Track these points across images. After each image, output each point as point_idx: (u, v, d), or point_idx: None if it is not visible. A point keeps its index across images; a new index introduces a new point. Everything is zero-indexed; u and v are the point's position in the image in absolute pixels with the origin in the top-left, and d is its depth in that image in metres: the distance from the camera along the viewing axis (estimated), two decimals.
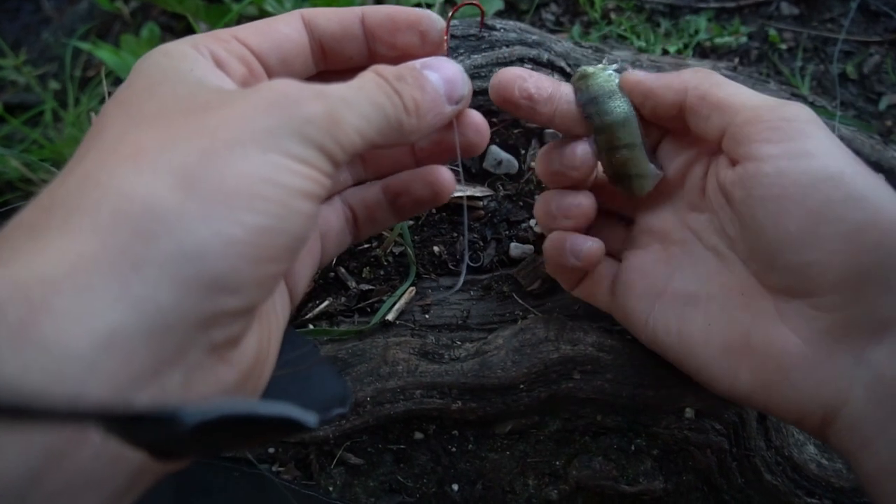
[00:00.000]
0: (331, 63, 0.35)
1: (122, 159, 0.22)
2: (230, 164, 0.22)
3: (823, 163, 0.33)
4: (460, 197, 0.61)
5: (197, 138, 0.23)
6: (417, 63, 0.32)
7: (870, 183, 0.33)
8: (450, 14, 0.38)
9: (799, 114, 0.35)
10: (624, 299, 0.45)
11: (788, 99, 0.65)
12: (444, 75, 0.32)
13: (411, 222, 0.60)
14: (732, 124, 0.36)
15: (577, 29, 0.81)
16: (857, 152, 0.63)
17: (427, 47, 0.35)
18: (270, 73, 0.32)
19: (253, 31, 0.31)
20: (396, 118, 0.29)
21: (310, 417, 0.21)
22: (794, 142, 0.34)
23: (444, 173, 0.39)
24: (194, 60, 0.28)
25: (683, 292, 0.42)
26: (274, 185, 0.23)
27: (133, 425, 0.18)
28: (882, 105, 0.74)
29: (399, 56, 0.35)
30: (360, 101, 0.27)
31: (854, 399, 0.33)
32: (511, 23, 0.60)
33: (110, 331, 0.19)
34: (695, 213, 0.43)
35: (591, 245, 0.43)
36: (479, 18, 0.57)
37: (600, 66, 0.42)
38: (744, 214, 0.36)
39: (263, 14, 0.78)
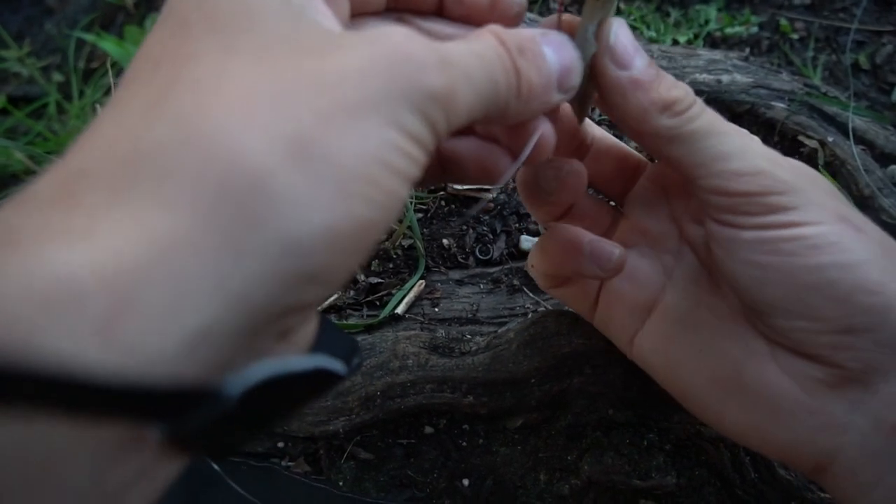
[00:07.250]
0: (401, 2, 0.30)
1: (228, 109, 0.19)
2: (347, 137, 0.20)
3: (810, 229, 0.30)
4: (469, 189, 0.60)
5: (312, 93, 0.20)
6: (538, 33, 0.28)
7: (858, 247, 0.30)
8: None
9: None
10: (611, 309, 0.40)
11: (801, 89, 0.64)
12: (561, 59, 0.28)
13: (420, 215, 0.59)
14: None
15: None
16: (871, 144, 0.63)
17: (494, 17, 0.29)
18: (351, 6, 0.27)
19: None
20: (506, 100, 0.25)
21: (339, 366, 0.20)
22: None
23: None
24: None
25: (675, 311, 0.37)
26: (388, 168, 0.21)
27: (183, 409, 0.17)
28: (895, 96, 0.73)
29: (463, 16, 0.30)
30: (480, 76, 0.24)
31: (850, 446, 0.31)
32: None
33: (201, 330, 0.17)
34: (694, 224, 0.37)
35: (620, 254, 0.36)
36: None
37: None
38: (726, 274, 0.33)
39: None
